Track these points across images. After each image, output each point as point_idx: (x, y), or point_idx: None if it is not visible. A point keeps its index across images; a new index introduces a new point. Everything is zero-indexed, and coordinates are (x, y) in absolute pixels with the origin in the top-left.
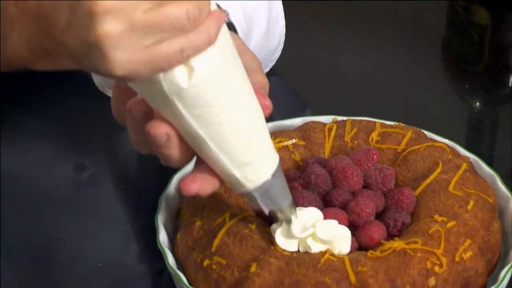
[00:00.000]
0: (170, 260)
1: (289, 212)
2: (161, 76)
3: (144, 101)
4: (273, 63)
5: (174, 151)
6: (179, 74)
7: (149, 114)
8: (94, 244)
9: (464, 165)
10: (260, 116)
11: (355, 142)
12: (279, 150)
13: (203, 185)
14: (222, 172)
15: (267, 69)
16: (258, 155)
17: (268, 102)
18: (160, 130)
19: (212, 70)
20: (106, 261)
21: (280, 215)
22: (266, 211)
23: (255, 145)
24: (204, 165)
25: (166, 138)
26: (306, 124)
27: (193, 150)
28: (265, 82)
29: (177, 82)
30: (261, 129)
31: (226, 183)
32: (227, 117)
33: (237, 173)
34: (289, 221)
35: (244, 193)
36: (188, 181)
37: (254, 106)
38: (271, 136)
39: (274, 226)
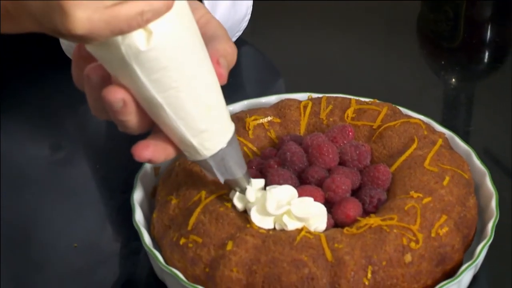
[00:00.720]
0: (146, 239)
1: (244, 182)
2: (120, 39)
3: (101, 67)
4: (240, 33)
5: (130, 117)
6: (137, 37)
7: (107, 81)
8: (70, 224)
9: (440, 141)
10: (216, 84)
11: (331, 119)
12: (254, 128)
13: (156, 152)
14: (178, 139)
15: (234, 39)
16: (215, 123)
17: (223, 71)
18: (116, 95)
19: (170, 34)
20: (82, 240)
21: (235, 185)
22: (222, 180)
23: (212, 112)
24: (160, 133)
25: (122, 104)
26: (282, 101)
27: (151, 118)
28: (231, 49)
29: (136, 45)
30: (217, 97)
31: (184, 151)
32: (184, 82)
33: (194, 141)
34: (244, 191)
35: (200, 162)
36: (141, 147)
37: (210, 74)
38: (247, 115)
39: (232, 193)
